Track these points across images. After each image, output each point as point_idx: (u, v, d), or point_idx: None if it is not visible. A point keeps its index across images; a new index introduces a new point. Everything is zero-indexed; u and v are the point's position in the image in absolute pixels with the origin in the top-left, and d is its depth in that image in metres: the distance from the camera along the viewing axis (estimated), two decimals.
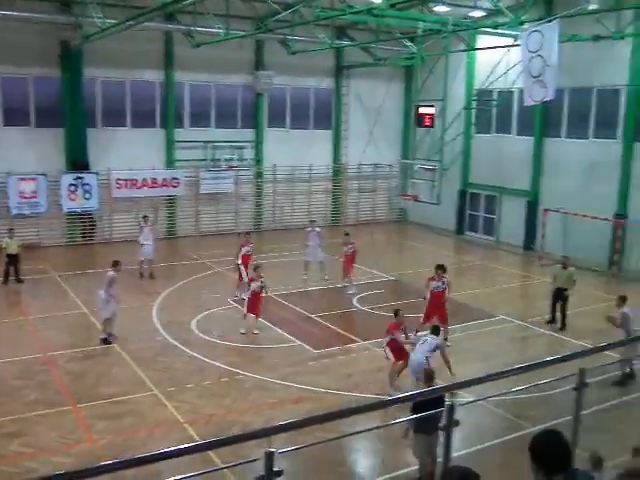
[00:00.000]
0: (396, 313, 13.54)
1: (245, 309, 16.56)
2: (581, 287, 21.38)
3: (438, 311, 15.72)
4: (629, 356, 13.41)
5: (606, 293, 20.92)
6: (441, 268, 16.02)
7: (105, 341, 15.46)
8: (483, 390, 9.43)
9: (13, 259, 20.68)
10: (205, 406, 12.48)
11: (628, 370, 13.92)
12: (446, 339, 15.41)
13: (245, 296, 16.79)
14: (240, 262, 19.48)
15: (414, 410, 7.98)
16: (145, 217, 22.50)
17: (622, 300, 14.36)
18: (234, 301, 18.82)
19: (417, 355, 12.36)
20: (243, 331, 16.41)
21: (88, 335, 16.28)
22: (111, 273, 15.53)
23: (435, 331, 12.97)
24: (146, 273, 21.68)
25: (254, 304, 16.52)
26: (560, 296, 17.40)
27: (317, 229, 22.07)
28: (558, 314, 17.57)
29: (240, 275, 19.36)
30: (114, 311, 15.66)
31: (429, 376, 10.04)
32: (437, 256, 24.34)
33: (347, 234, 21.22)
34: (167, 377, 13.79)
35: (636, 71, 23.44)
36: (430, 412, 4.32)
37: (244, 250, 19.66)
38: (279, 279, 21.94)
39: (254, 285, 16.52)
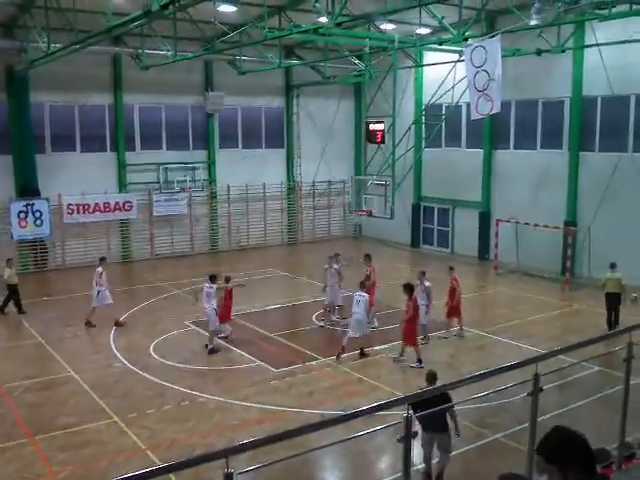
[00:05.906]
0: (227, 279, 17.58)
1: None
2: (534, 295, 21.83)
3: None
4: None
5: (560, 300, 21.34)
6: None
7: None
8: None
9: None
10: (167, 431, 12.33)
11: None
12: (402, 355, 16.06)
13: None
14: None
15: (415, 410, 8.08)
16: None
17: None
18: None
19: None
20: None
21: (44, 365, 15.96)
22: None
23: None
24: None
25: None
26: (613, 301, 17.74)
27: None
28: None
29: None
30: None
31: (432, 377, 10.34)
32: (394, 270, 24.59)
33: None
34: (127, 404, 13.59)
35: (578, 82, 24.15)
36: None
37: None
38: (237, 299, 21.85)
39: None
